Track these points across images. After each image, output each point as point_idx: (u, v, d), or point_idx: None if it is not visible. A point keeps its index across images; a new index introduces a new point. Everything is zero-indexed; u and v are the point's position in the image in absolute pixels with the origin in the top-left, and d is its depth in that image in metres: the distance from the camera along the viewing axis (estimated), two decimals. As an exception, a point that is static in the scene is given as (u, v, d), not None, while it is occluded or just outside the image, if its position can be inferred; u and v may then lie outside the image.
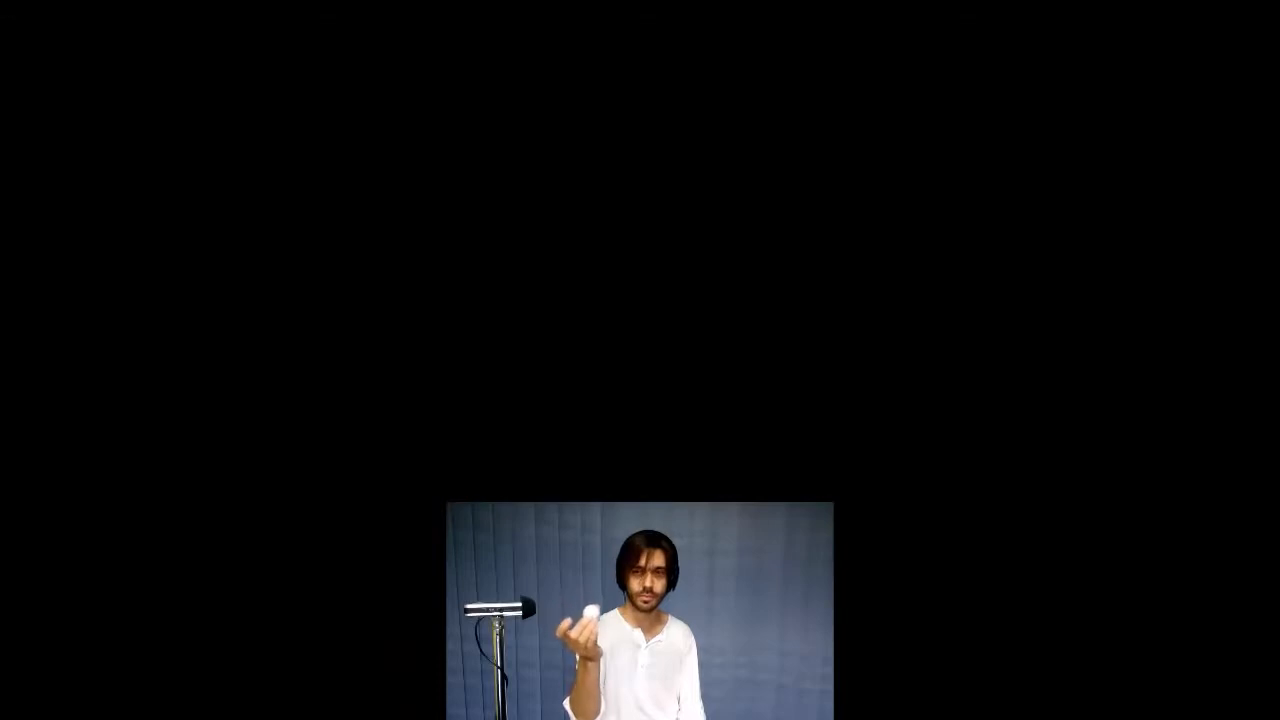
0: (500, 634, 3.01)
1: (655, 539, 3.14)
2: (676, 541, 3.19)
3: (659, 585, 3.12)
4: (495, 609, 3.04)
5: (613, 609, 3.17)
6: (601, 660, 3.07)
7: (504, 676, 3.04)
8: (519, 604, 3.05)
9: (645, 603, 3.12)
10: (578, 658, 3.07)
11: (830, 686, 3.17)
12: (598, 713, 3.11)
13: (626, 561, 3.13)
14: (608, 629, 3.10)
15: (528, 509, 3.25)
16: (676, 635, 3.18)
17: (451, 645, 3.16)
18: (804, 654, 3.22)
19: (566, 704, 3.13)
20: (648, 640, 3.16)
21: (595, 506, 3.24)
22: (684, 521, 3.25)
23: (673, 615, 3.22)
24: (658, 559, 3.11)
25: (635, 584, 3.12)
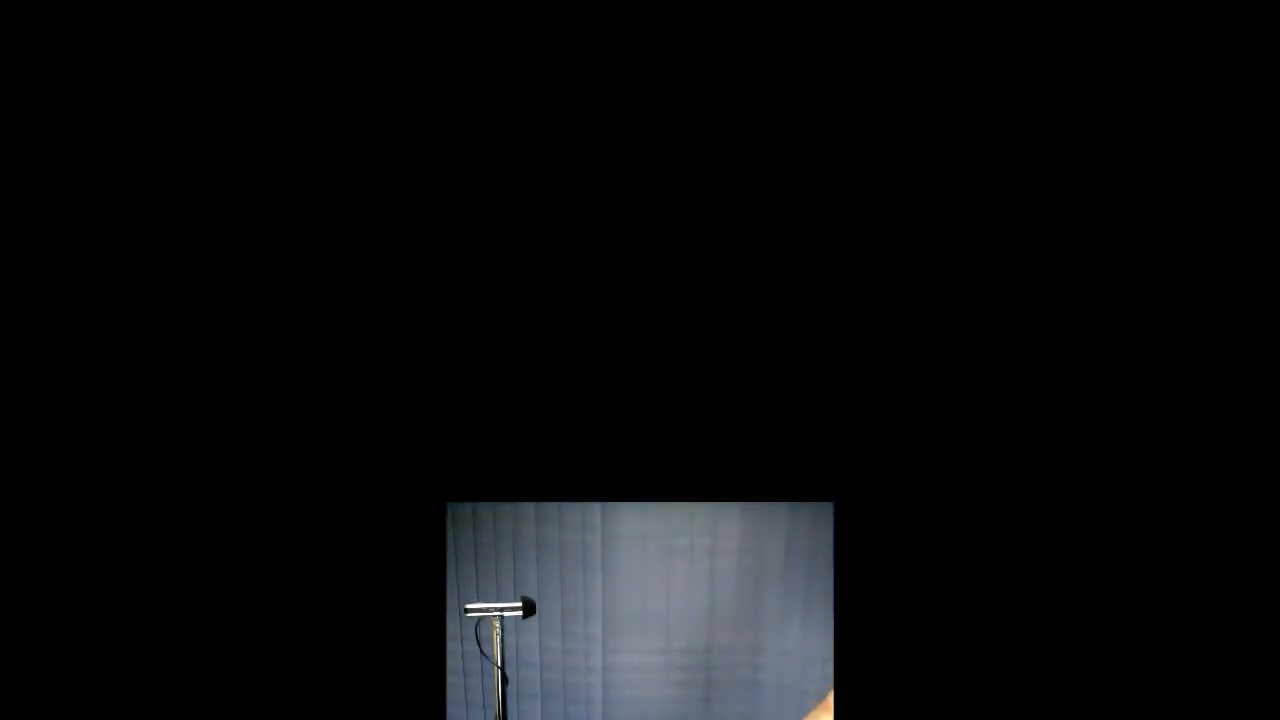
0: (500, 634, 3.01)
1: None
2: (676, 541, 3.16)
3: None
4: (495, 609, 3.05)
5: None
6: None
7: (504, 676, 3.05)
8: (519, 604, 3.06)
9: None
10: None
11: (830, 686, 3.17)
12: None
13: None
14: None
15: (528, 509, 3.25)
16: None
17: (451, 645, 3.16)
18: (804, 654, 3.22)
19: None
20: None
21: (595, 506, 3.24)
22: (684, 521, 3.25)
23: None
24: None
25: None
